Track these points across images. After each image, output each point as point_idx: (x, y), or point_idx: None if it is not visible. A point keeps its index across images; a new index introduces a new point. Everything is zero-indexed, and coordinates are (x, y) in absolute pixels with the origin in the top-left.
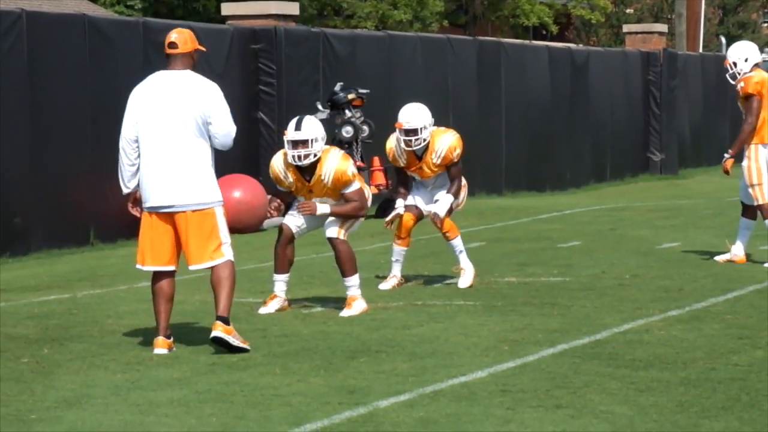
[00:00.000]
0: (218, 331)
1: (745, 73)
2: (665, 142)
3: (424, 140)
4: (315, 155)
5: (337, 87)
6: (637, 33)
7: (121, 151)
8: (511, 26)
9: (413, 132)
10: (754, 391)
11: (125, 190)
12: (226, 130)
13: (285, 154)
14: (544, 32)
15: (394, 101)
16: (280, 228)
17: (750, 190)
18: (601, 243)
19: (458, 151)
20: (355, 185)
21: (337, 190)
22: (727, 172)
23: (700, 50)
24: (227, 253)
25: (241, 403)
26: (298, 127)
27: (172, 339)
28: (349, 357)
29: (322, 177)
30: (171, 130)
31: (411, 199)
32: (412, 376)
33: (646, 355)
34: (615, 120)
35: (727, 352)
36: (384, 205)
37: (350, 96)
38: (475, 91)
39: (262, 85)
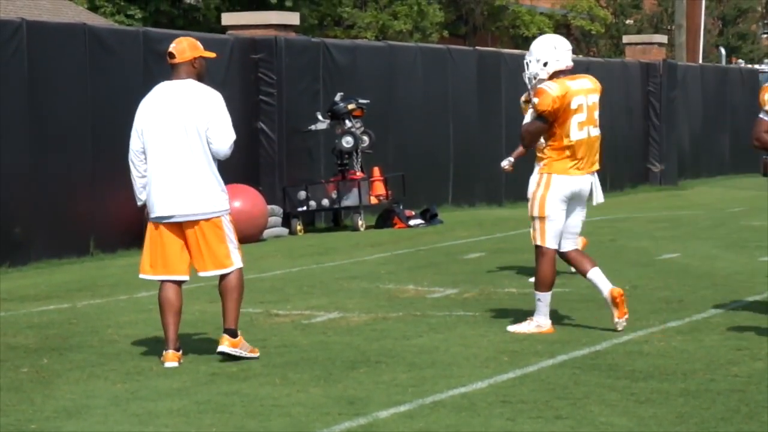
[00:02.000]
0: (225, 345)
1: None
2: (665, 153)
3: None
4: None
5: (338, 97)
6: (637, 44)
7: (130, 163)
8: (511, 36)
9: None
10: (754, 402)
11: (139, 202)
12: (223, 139)
13: None
14: None
15: (394, 111)
16: None
17: None
18: (600, 254)
19: None
20: None
21: None
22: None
23: (700, 61)
24: (236, 261)
25: (240, 414)
26: None
27: (181, 351)
28: (349, 367)
29: None
30: (174, 140)
31: None
32: (411, 386)
33: (645, 366)
34: (615, 131)
35: (727, 364)
36: (384, 215)
37: (350, 106)
38: (475, 101)
39: (263, 95)
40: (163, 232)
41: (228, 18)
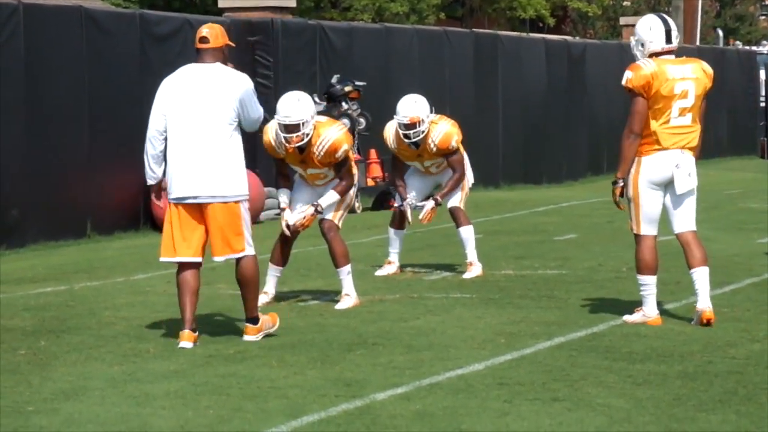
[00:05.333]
0: (250, 335)
1: None
2: None
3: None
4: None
5: (334, 79)
6: (634, 25)
7: (147, 142)
8: (508, 19)
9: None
10: (752, 384)
11: (151, 181)
12: (255, 117)
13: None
14: (540, 25)
15: (390, 93)
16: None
17: None
18: (597, 236)
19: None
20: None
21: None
22: None
23: (697, 43)
24: (250, 247)
25: (237, 396)
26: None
27: (197, 333)
28: (346, 349)
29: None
30: (203, 122)
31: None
32: (408, 368)
33: (643, 348)
34: (611, 113)
35: (725, 345)
36: (380, 197)
37: (347, 88)
38: (471, 83)
39: (259, 78)
40: (181, 213)
41: (224, 0)
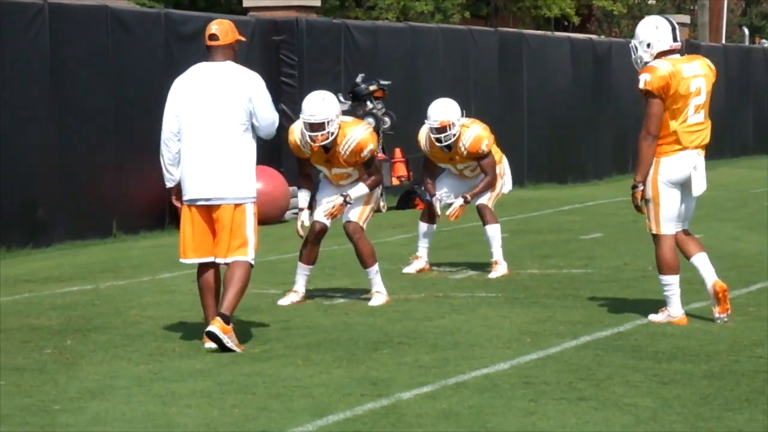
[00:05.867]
0: (215, 326)
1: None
2: None
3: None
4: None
5: (359, 78)
6: None
7: (162, 144)
8: (533, 17)
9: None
10: None
11: (170, 184)
12: (269, 120)
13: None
14: (565, 23)
15: (415, 93)
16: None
17: None
18: (623, 235)
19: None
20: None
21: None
22: None
23: (723, 41)
24: (248, 254)
25: (263, 395)
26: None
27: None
28: (372, 348)
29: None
30: (214, 122)
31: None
32: (434, 367)
33: (669, 348)
34: (637, 111)
35: (751, 345)
36: (405, 197)
37: (372, 87)
38: (496, 82)
39: (284, 77)
40: (194, 215)
41: None
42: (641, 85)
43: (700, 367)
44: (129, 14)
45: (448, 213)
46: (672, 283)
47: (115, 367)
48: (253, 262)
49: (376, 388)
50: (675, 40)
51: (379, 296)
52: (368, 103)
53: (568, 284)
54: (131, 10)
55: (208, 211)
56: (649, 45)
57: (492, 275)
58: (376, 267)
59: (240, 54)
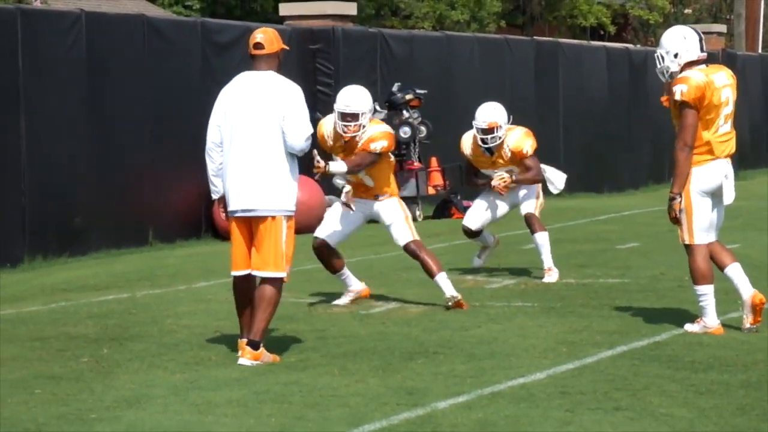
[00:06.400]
0: (245, 358)
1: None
2: None
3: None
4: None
5: (395, 87)
6: None
7: (206, 155)
8: (569, 27)
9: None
10: None
11: (215, 195)
12: (299, 132)
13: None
14: (601, 33)
15: (451, 102)
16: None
17: None
18: (659, 244)
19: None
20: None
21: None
22: None
23: (759, 50)
24: (279, 269)
25: (299, 404)
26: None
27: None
28: (407, 358)
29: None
30: (253, 134)
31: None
32: (470, 377)
33: (706, 358)
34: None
35: None
36: (442, 206)
37: (408, 96)
38: (532, 91)
39: (320, 86)
40: (235, 227)
41: (285, 8)
42: (677, 97)
43: (737, 377)
44: (166, 23)
45: (493, 184)
46: (707, 293)
47: (152, 376)
48: (286, 278)
49: (412, 397)
50: (702, 50)
51: (453, 299)
52: (404, 112)
53: (605, 294)
54: (168, 19)
55: (247, 222)
56: (676, 55)
57: (545, 280)
58: (443, 273)
59: None
